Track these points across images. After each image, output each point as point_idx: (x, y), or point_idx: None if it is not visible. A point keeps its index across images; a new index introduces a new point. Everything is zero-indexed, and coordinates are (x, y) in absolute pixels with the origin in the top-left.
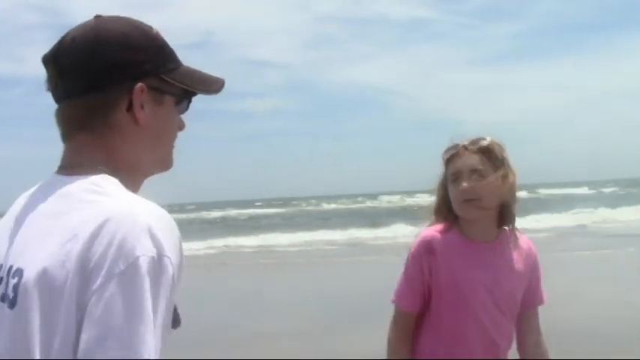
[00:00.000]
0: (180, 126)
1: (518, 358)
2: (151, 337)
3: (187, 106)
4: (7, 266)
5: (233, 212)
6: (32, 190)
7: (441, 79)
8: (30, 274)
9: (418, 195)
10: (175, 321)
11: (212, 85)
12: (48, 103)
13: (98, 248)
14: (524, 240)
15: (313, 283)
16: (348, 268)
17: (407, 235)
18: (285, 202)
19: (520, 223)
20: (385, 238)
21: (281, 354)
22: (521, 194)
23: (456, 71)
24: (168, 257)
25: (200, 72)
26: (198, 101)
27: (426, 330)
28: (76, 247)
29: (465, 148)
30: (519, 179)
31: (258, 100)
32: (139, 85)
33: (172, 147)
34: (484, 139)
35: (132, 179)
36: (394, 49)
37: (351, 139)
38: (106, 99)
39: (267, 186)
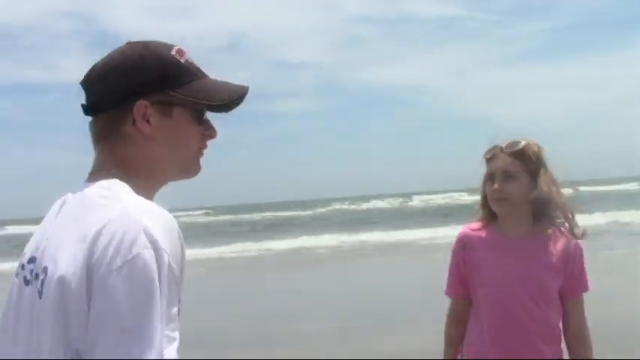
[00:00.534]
0: (211, 134)
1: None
2: (155, 325)
3: (200, 117)
4: (40, 264)
5: (269, 214)
6: (66, 196)
7: (472, 78)
8: (52, 273)
9: (450, 194)
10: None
11: (228, 96)
12: (80, 111)
13: (99, 248)
14: (563, 235)
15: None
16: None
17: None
18: (323, 203)
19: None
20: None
21: (325, 353)
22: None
23: (488, 69)
24: (164, 250)
25: (218, 83)
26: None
27: (472, 317)
28: (83, 248)
29: (501, 150)
30: (564, 177)
31: (290, 101)
32: (140, 102)
33: (195, 155)
34: (519, 142)
35: (147, 184)
36: (425, 48)
37: (382, 139)
38: (117, 114)
39: (300, 187)
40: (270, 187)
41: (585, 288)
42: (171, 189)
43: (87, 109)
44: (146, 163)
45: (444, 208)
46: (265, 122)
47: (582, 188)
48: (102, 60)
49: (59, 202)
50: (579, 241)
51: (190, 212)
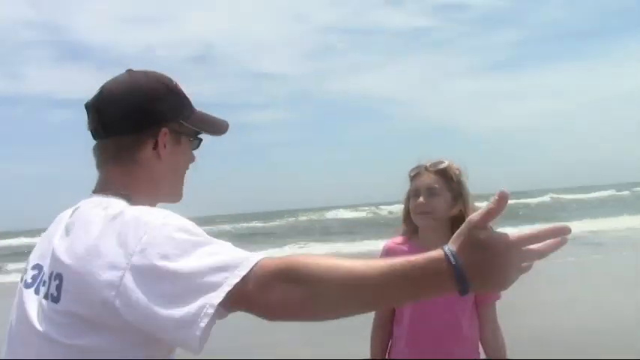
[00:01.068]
0: (193, 159)
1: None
2: (220, 242)
3: (199, 145)
4: (49, 271)
5: (237, 225)
6: (69, 210)
7: (442, 88)
8: (67, 278)
9: None
10: None
11: (220, 127)
12: (50, 121)
13: (118, 234)
14: None
15: None
16: None
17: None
18: (290, 213)
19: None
20: None
21: None
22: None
23: (457, 79)
24: (166, 215)
25: (209, 116)
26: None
27: (395, 323)
28: (94, 255)
29: (426, 168)
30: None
31: (259, 112)
32: (164, 129)
33: (183, 181)
34: (443, 162)
35: (145, 204)
36: (395, 58)
37: (352, 149)
38: (137, 139)
39: (270, 197)
40: (240, 198)
41: (496, 296)
42: None
43: (97, 133)
44: (153, 185)
45: None
46: (236, 133)
47: (545, 197)
48: (111, 85)
49: (62, 215)
50: None
51: None
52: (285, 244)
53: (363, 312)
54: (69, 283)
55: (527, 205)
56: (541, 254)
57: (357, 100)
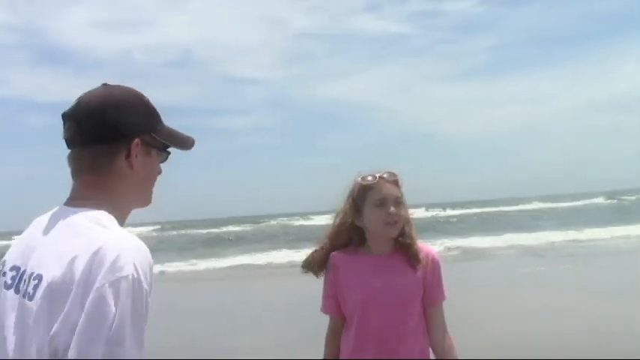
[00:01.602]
0: (159, 171)
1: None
2: (134, 335)
3: (167, 158)
4: (29, 272)
5: (216, 230)
6: (46, 217)
7: (419, 94)
8: (46, 279)
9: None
10: None
11: (186, 143)
12: (31, 124)
13: (94, 267)
14: (423, 249)
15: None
16: None
17: None
18: (269, 218)
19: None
20: None
21: None
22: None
23: (435, 85)
24: (144, 283)
25: (177, 131)
26: (180, 120)
27: (344, 329)
28: (79, 265)
29: (386, 179)
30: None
31: (238, 117)
32: (136, 140)
33: (152, 188)
34: (395, 173)
35: (122, 212)
36: (372, 64)
37: (331, 154)
38: (111, 149)
39: (247, 202)
40: (217, 203)
41: (442, 297)
42: None
43: (72, 141)
44: (126, 194)
45: None
46: (213, 138)
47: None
48: (88, 97)
49: (41, 220)
50: (436, 255)
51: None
52: (253, 251)
53: None
54: (47, 284)
55: (505, 213)
56: None
57: (335, 106)
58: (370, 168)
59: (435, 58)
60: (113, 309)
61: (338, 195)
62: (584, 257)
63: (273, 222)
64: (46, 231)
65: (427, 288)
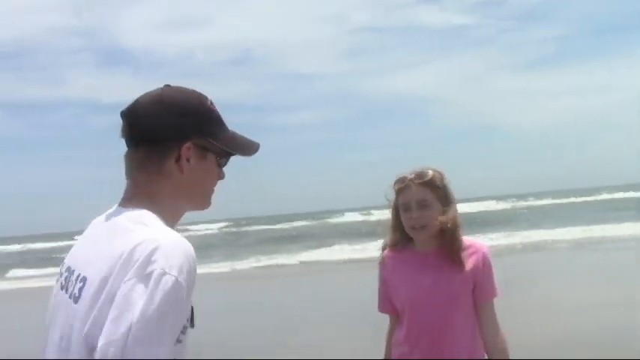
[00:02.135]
0: (221, 177)
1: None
2: (161, 330)
3: (226, 163)
4: (77, 273)
5: (280, 226)
6: (102, 217)
7: (482, 86)
8: (89, 282)
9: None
10: (192, 323)
11: (249, 150)
12: (92, 126)
13: (131, 262)
14: (473, 245)
15: None
16: None
17: None
18: (334, 214)
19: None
20: None
21: None
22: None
23: (498, 77)
24: (182, 283)
25: (241, 136)
26: (242, 118)
27: (397, 326)
28: (116, 265)
29: (412, 181)
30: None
31: (299, 113)
32: (187, 143)
33: (211, 192)
34: (427, 172)
35: (172, 213)
36: (433, 56)
37: (393, 148)
38: (162, 151)
39: (311, 198)
40: (281, 200)
41: (493, 294)
42: None
43: (129, 140)
44: (176, 197)
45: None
46: (275, 135)
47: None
48: (147, 96)
49: (97, 221)
50: (487, 251)
51: (208, 225)
52: (329, 245)
53: None
54: (89, 286)
55: (573, 205)
56: None
57: (395, 100)
58: (428, 162)
59: (497, 49)
60: (140, 301)
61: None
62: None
63: (336, 218)
64: (96, 232)
65: (477, 284)
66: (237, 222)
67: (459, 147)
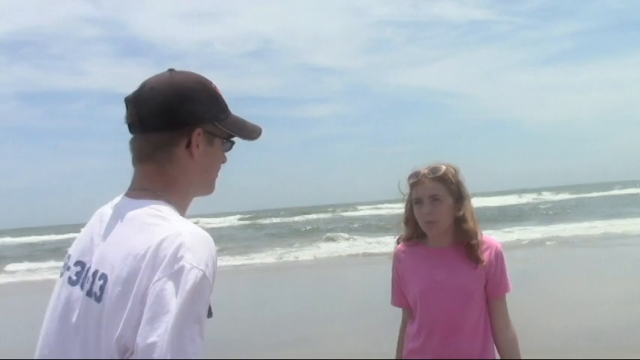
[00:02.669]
0: (224, 160)
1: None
2: (194, 327)
3: (231, 147)
4: (93, 270)
5: (298, 218)
6: (108, 208)
7: (501, 81)
8: (112, 280)
9: (478, 197)
10: (209, 313)
11: (252, 133)
12: (109, 117)
13: (157, 260)
14: (486, 242)
15: None
16: None
17: None
18: (349, 207)
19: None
20: None
21: None
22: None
23: (517, 72)
24: (208, 278)
25: (244, 120)
26: (260, 110)
27: (410, 320)
28: (142, 263)
29: (425, 176)
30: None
31: (318, 106)
32: (198, 129)
33: (216, 177)
34: (440, 167)
35: (182, 201)
36: (453, 51)
37: (412, 143)
38: (171, 137)
39: (328, 192)
40: (301, 192)
41: (506, 290)
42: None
43: (134, 127)
44: (186, 183)
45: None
46: (294, 127)
47: (612, 192)
48: (152, 82)
49: (103, 211)
50: (500, 247)
51: (224, 217)
52: (343, 238)
53: None
54: (113, 285)
55: (589, 200)
56: None
57: (414, 94)
58: (446, 157)
59: (517, 44)
60: (174, 300)
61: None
62: None
63: (350, 211)
64: (110, 226)
65: (489, 280)
66: (256, 214)
67: (477, 142)
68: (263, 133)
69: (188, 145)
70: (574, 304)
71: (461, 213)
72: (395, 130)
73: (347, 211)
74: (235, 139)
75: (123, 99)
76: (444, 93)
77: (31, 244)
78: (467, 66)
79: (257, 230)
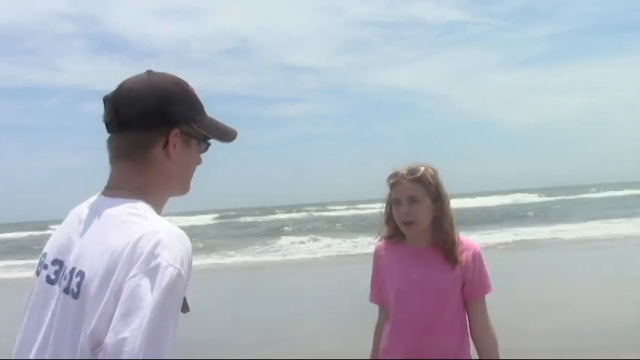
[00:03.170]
0: (199, 161)
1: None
2: (167, 324)
3: (207, 148)
4: (71, 267)
5: (269, 218)
6: (84, 207)
7: (477, 82)
8: (89, 277)
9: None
10: (185, 308)
11: (227, 135)
12: (84, 113)
13: (134, 257)
14: (464, 243)
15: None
16: None
17: None
18: (319, 207)
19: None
20: None
21: None
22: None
23: (493, 74)
24: (183, 276)
25: (219, 123)
26: (237, 109)
27: (387, 319)
28: (118, 260)
29: (404, 177)
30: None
31: (293, 105)
32: (175, 130)
33: (191, 177)
34: (419, 168)
35: (158, 201)
36: (429, 52)
37: (388, 143)
38: (149, 137)
39: (302, 191)
40: (276, 192)
41: (485, 291)
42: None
43: (111, 126)
44: (162, 183)
45: None
46: (269, 126)
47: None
48: (130, 82)
49: (80, 210)
50: (478, 249)
51: (200, 216)
52: (314, 239)
53: None
54: (90, 281)
55: (563, 202)
56: None
57: (392, 94)
58: (423, 158)
59: (494, 45)
60: (148, 296)
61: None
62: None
63: (325, 211)
64: (87, 224)
65: (467, 282)
66: (229, 213)
67: (453, 143)
68: (238, 135)
69: (165, 146)
70: (548, 306)
71: (439, 214)
72: (371, 130)
73: (321, 211)
74: (211, 140)
75: (98, 96)
76: (420, 93)
77: (1, 242)
78: (444, 67)
79: (232, 229)
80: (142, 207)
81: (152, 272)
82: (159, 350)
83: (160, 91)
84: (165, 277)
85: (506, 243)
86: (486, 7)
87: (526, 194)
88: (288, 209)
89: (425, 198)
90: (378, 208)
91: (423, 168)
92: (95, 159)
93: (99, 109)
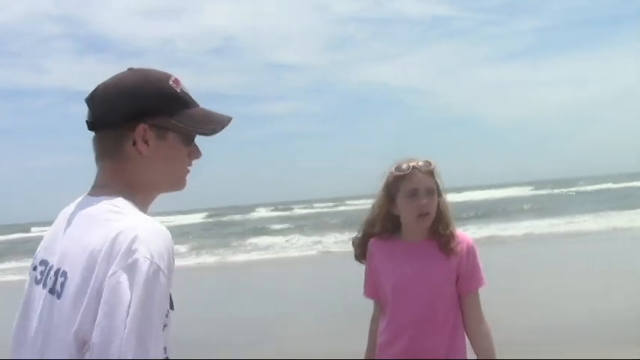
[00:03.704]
0: (196, 155)
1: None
2: (150, 320)
3: (191, 142)
4: (56, 268)
5: (256, 215)
6: (72, 207)
7: (463, 77)
8: (71, 276)
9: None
10: (170, 305)
11: (212, 125)
12: (70, 114)
13: (113, 253)
14: (458, 236)
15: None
16: None
17: None
18: (304, 204)
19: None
20: None
21: None
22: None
23: (479, 68)
24: (163, 270)
25: (205, 114)
26: (222, 108)
27: (381, 314)
28: (98, 257)
29: (420, 169)
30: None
31: (279, 103)
32: (141, 125)
33: (184, 172)
34: (430, 162)
35: (144, 199)
36: (415, 47)
37: (374, 140)
38: (118, 134)
39: (289, 189)
40: (262, 190)
41: (479, 284)
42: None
43: (90, 125)
44: (144, 180)
45: None
46: (256, 124)
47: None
48: (107, 81)
49: (67, 210)
50: (472, 242)
51: (188, 215)
52: (300, 237)
53: None
54: (71, 281)
55: (551, 197)
56: None
57: (377, 91)
58: (410, 154)
59: (479, 40)
60: (129, 293)
61: (376, 180)
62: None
63: (311, 208)
64: (69, 223)
65: (461, 275)
66: (217, 211)
67: (439, 138)
68: (230, 124)
69: (134, 142)
70: (536, 301)
71: (443, 207)
72: (357, 127)
73: (307, 208)
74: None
75: (84, 96)
76: (406, 89)
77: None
78: (429, 62)
79: (218, 228)
80: (121, 204)
81: (130, 268)
82: (145, 347)
83: (124, 87)
84: (143, 272)
85: (499, 237)
86: (471, 1)
87: (516, 187)
88: (274, 207)
89: (437, 192)
90: (363, 204)
91: (432, 162)
92: (86, 158)
93: (85, 109)
